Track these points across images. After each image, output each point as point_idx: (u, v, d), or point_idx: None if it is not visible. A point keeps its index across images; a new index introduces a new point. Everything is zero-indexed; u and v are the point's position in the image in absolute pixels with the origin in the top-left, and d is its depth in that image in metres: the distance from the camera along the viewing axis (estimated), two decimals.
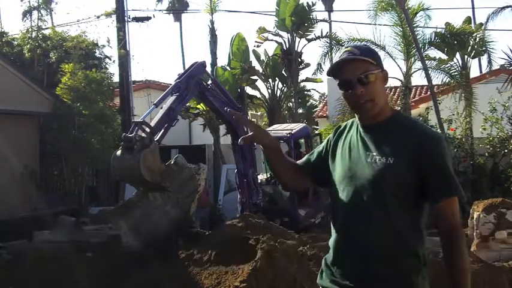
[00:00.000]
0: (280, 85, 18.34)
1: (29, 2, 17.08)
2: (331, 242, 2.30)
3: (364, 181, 2.17)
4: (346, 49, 2.25)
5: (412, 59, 14.54)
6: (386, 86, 2.35)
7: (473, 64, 67.24)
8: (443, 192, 2.14)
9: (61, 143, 13.18)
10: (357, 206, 2.17)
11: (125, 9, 16.13)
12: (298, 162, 2.52)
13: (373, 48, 2.41)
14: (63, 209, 12.47)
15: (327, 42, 16.80)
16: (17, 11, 60.30)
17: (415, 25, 14.25)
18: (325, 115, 19.41)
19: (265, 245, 6.19)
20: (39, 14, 17.23)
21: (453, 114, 13.91)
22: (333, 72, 2.26)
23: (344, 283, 2.19)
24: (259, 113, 22.81)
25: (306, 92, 19.46)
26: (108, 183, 15.28)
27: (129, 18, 16.56)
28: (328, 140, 2.44)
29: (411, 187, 2.16)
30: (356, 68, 2.18)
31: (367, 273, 2.15)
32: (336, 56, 2.28)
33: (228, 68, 17.81)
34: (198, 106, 16.44)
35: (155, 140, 7.66)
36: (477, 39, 14.70)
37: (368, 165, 2.18)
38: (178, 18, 34.73)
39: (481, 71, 23.18)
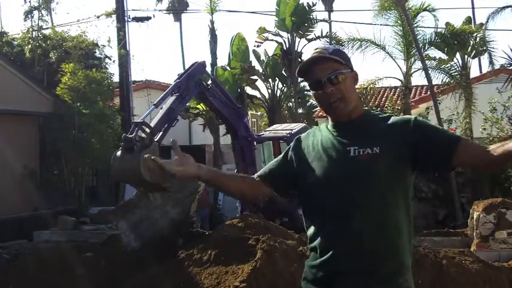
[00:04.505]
0: (280, 85, 18.36)
1: (30, 2, 17.09)
2: (318, 244, 2.21)
3: (353, 176, 2.15)
4: (315, 50, 2.28)
5: (412, 59, 14.54)
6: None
7: (473, 64, 67.27)
8: (454, 141, 2.14)
9: (61, 143, 13.17)
10: (350, 204, 2.14)
11: (125, 9, 16.16)
12: (258, 173, 2.46)
13: (342, 49, 2.44)
14: (63, 209, 12.48)
15: (327, 42, 16.80)
16: (18, 11, 60.38)
17: (415, 25, 14.25)
18: (325, 115, 19.33)
19: (265, 245, 6.19)
20: (40, 14, 17.24)
21: (453, 114, 13.91)
22: (302, 73, 2.29)
23: (341, 282, 2.15)
24: (259, 113, 22.83)
25: (306, 92, 19.42)
26: (108, 183, 15.27)
27: (129, 18, 16.57)
28: (287, 151, 2.41)
29: (402, 173, 2.18)
30: (325, 68, 2.22)
31: (367, 269, 2.12)
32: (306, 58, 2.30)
33: (228, 68, 17.83)
34: (198, 106, 16.45)
35: (155, 140, 7.66)
36: (477, 39, 14.70)
37: (353, 160, 2.17)
38: (178, 18, 34.74)
39: (481, 71, 23.19)
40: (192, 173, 2.24)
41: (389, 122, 2.25)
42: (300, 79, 18.18)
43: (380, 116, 2.35)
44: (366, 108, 2.39)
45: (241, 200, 2.52)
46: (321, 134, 2.33)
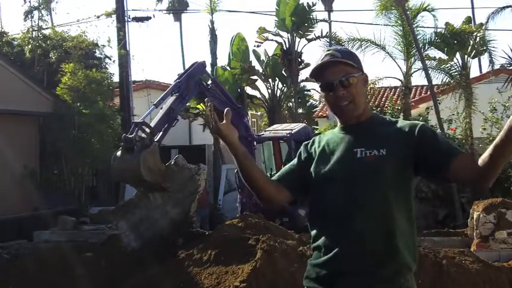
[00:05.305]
0: (280, 85, 18.35)
1: (30, 2, 17.09)
2: (321, 243, 2.23)
3: (359, 177, 2.17)
4: (327, 52, 2.30)
5: (412, 59, 14.54)
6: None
7: (473, 64, 67.24)
8: (454, 152, 2.14)
9: (61, 143, 13.17)
10: (354, 204, 2.16)
11: (125, 9, 16.16)
12: (275, 176, 2.44)
13: (353, 51, 2.46)
14: (63, 209, 12.49)
15: (327, 42, 16.80)
16: (18, 11, 60.39)
17: (415, 25, 14.25)
18: (325, 115, 19.40)
19: (265, 245, 6.19)
20: (40, 14, 17.23)
21: (453, 114, 13.91)
22: (315, 75, 2.31)
23: (343, 281, 2.16)
24: (259, 113, 22.82)
25: (306, 92, 19.45)
26: (108, 183, 15.27)
27: (129, 18, 16.58)
28: (300, 155, 2.42)
29: (406, 176, 2.20)
30: (337, 71, 2.24)
31: (369, 270, 2.13)
32: (317, 59, 2.31)
33: (228, 68, 17.83)
34: (198, 106, 16.45)
35: (155, 140, 7.67)
36: (477, 39, 14.69)
37: (359, 161, 2.19)
38: (178, 18, 34.73)
39: (481, 71, 23.18)
40: (232, 140, 2.29)
41: (397, 125, 2.28)
42: (300, 79, 18.30)
43: (388, 119, 2.39)
44: (375, 112, 2.41)
45: (263, 202, 2.35)
46: (326, 138, 2.36)
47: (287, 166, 2.46)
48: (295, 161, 2.43)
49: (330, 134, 2.38)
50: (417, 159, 2.17)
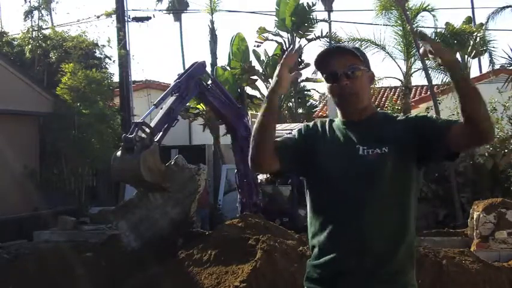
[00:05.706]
0: None
1: (30, 2, 17.09)
2: (321, 242, 2.20)
3: (360, 175, 2.15)
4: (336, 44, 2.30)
5: (412, 59, 14.55)
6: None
7: (473, 64, 67.17)
8: (450, 122, 2.16)
9: (61, 143, 13.17)
10: (355, 203, 2.14)
11: (125, 9, 16.15)
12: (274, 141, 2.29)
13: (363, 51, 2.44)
14: (63, 209, 12.49)
15: (327, 42, 16.81)
16: (18, 11, 60.38)
17: (415, 25, 14.24)
18: (325, 115, 19.40)
19: (265, 245, 6.19)
20: (40, 14, 17.24)
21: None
22: (320, 65, 2.29)
23: (343, 281, 2.15)
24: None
25: (306, 92, 19.46)
26: (108, 183, 15.27)
27: (129, 18, 16.56)
28: (300, 130, 2.34)
29: (408, 174, 2.19)
30: (343, 62, 2.23)
31: (370, 269, 2.12)
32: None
33: (228, 68, 17.83)
34: (198, 106, 16.44)
35: (155, 140, 7.67)
36: (477, 39, 14.70)
37: (361, 159, 2.17)
38: (178, 18, 34.71)
39: (481, 71, 23.16)
40: (285, 83, 2.36)
41: (397, 121, 2.27)
42: (300, 79, 18.28)
43: (390, 116, 2.37)
44: (379, 109, 2.39)
45: (253, 163, 2.20)
46: (329, 127, 2.31)
47: (287, 138, 2.34)
48: (295, 135, 2.34)
49: (333, 126, 2.31)
50: (419, 144, 2.16)
